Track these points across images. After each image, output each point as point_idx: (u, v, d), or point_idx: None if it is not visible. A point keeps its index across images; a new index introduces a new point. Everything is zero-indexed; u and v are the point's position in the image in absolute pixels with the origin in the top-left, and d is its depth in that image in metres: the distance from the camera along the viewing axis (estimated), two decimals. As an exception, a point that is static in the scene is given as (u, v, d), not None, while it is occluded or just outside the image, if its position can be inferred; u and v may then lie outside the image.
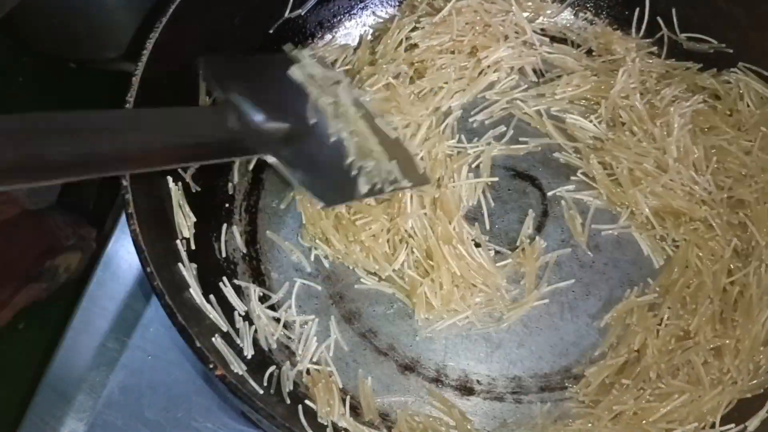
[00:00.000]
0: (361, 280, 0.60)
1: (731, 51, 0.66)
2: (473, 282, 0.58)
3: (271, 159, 0.50)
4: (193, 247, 0.55)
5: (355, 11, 0.72)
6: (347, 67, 0.68)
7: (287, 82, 0.56)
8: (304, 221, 0.61)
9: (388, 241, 0.59)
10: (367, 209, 0.59)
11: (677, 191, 0.60)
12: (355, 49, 0.70)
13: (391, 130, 0.59)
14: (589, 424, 0.54)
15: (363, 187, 0.54)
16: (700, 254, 0.59)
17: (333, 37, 0.71)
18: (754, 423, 0.53)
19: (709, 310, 0.56)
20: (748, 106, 0.64)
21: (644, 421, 0.53)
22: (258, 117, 0.50)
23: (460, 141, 0.65)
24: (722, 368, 0.54)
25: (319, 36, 0.71)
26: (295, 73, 0.56)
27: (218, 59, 0.57)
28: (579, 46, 0.71)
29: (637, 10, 0.69)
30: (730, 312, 0.57)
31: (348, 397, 0.55)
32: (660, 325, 0.57)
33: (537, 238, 0.61)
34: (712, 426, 0.52)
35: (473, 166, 0.64)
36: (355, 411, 0.55)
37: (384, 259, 0.59)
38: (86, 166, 0.40)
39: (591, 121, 0.65)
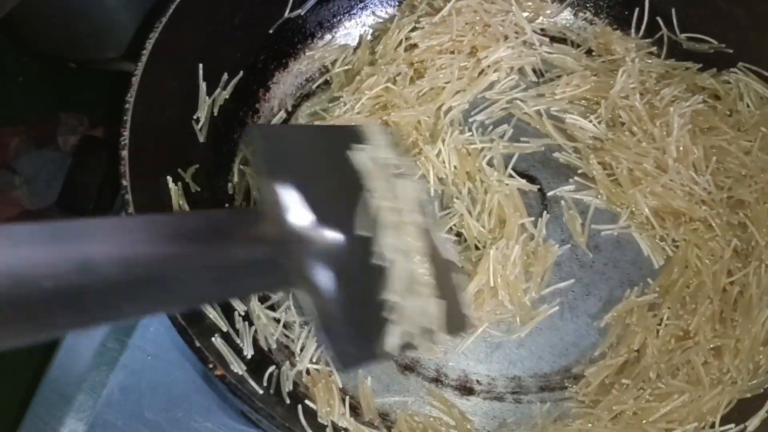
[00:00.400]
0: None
1: (731, 51, 0.66)
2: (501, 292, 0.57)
3: (302, 295, 0.37)
4: (192, 247, 0.55)
5: (354, 11, 0.72)
6: (347, 67, 0.68)
7: (348, 168, 0.41)
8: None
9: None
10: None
11: (677, 191, 0.60)
12: (355, 49, 0.70)
13: (452, 251, 0.48)
14: (589, 424, 0.54)
15: (391, 342, 0.39)
16: (700, 254, 0.59)
17: (333, 37, 0.71)
18: (754, 423, 0.52)
19: (708, 311, 0.56)
20: (748, 106, 0.64)
21: (644, 421, 0.53)
22: (307, 219, 0.36)
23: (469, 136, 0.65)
24: (722, 368, 0.54)
25: (318, 36, 0.71)
26: (358, 156, 0.41)
27: (269, 131, 0.45)
28: (579, 45, 0.71)
29: (637, 10, 0.69)
30: (730, 312, 0.57)
31: (348, 397, 0.55)
32: (660, 325, 0.57)
33: (550, 240, 0.61)
34: (712, 426, 0.52)
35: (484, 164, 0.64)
36: (355, 411, 0.55)
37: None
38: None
39: (591, 121, 0.65)
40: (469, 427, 0.55)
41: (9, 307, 0.26)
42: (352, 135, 0.43)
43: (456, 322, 0.43)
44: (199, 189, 0.58)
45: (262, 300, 0.58)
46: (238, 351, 0.52)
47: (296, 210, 0.36)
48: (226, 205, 0.62)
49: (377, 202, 0.40)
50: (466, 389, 0.57)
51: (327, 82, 0.68)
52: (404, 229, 0.41)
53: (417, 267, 0.41)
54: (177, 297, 0.32)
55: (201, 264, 0.32)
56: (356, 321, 0.38)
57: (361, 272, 0.39)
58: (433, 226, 0.43)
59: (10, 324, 0.26)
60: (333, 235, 0.37)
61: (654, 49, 0.69)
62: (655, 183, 0.60)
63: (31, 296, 0.26)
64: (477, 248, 0.60)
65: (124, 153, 0.49)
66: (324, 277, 0.36)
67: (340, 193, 0.40)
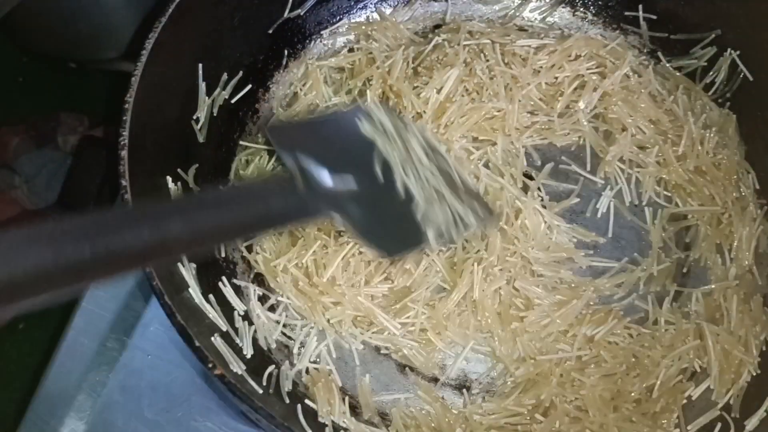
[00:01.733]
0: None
1: (731, 51, 0.66)
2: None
3: (335, 217, 0.49)
4: (192, 247, 0.55)
5: (354, 11, 0.72)
6: (349, 66, 0.68)
7: (354, 137, 0.54)
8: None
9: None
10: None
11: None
12: (351, 49, 0.70)
13: (464, 173, 0.58)
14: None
15: (431, 236, 0.52)
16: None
17: (333, 37, 0.71)
18: (753, 422, 0.53)
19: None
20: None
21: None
22: (325, 178, 0.50)
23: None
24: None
25: (318, 36, 0.71)
26: (364, 127, 0.55)
27: (284, 125, 0.59)
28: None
29: (637, 9, 0.70)
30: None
31: (347, 397, 0.55)
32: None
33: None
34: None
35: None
36: (355, 410, 0.55)
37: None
38: (159, 251, 0.41)
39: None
40: (465, 426, 0.55)
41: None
42: (354, 112, 0.56)
43: (484, 219, 0.55)
44: (199, 189, 0.58)
45: (262, 300, 0.58)
46: (237, 351, 0.52)
47: (314, 173, 0.50)
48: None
49: (389, 151, 0.53)
50: (465, 388, 0.57)
51: (326, 82, 0.68)
52: (417, 163, 0.54)
53: (434, 186, 0.53)
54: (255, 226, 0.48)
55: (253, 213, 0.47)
56: (396, 227, 0.53)
57: (392, 200, 0.52)
58: (444, 158, 0.56)
59: None
60: (349, 185, 0.51)
61: (654, 48, 0.70)
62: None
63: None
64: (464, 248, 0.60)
65: (124, 153, 0.49)
66: (354, 209, 0.50)
67: (354, 154, 0.53)
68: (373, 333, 0.57)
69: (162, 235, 0.41)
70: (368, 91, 0.64)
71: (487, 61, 0.64)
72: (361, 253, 0.58)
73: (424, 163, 0.54)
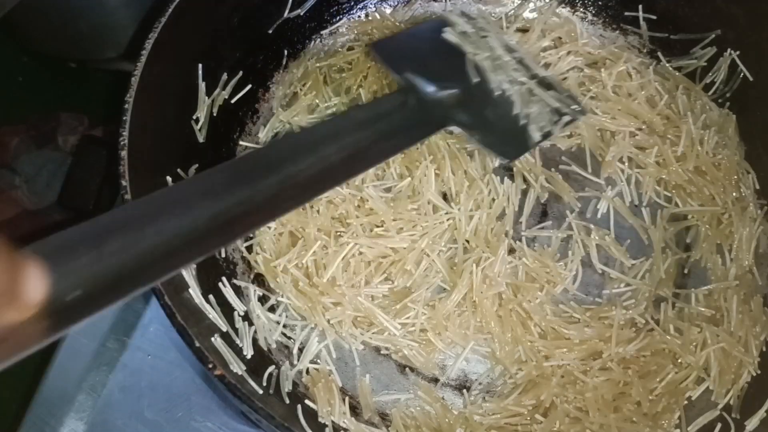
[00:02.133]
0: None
1: (731, 51, 0.66)
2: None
3: (454, 128, 0.52)
4: (192, 247, 0.55)
5: (354, 11, 0.72)
6: (347, 65, 0.68)
7: (444, 46, 0.57)
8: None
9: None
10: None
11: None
12: (350, 48, 0.70)
13: (542, 68, 0.60)
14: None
15: (535, 135, 0.55)
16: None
17: (333, 37, 0.71)
18: (753, 422, 0.53)
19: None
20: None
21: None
22: (430, 89, 0.52)
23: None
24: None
25: (318, 36, 0.71)
26: (449, 36, 0.57)
27: (383, 43, 0.61)
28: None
29: (637, 9, 0.69)
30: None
31: (347, 397, 0.55)
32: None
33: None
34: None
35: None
36: (355, 411, 0.55)
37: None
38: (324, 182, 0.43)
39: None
40: (465, 426, 0.55)
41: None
42: (438, 23, 0.59)
43: (575, 110, 0.58)
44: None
45: (262, 300, 0.58)
46: (237, 351, 0.52)
47: (421, 86, 0.52)
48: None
49: (478, 57, 0.56)
50: (465, 388, 0.57)
51: (326, 82, 0.68)
52: (503, 66, 0.57)
53: (524, 84, 0.57)
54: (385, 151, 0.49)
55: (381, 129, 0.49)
56: (503, 131, 0.55)
57: (492, 104, 0.55)
58: (523, 56, 0.59)
59: None
60: (452, 92, 0.53)
61: (653, 48, 0.70)
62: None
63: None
64: (466, 250, 0.60)
65: (124, 153, 0.49)
66: (462, 117, 0.53)
67: (447, 63, 0.56)
68: (373, 333, 0.57)
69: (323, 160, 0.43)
70: (361, 89, 0.64)
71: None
72: (361, 253, 0.58)
73: (509, 62, 0.57)
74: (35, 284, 0.29)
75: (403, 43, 0.59)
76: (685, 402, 0.55)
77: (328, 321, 0.56)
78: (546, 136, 0.56)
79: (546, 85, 0.58)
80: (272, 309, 0.58)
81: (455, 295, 0.57)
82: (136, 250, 0.34)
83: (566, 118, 0.57)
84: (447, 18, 0.59)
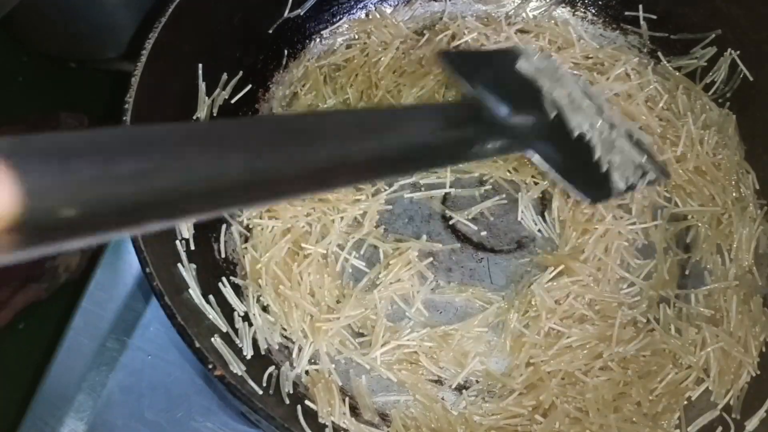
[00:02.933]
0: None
1: (731, 51, 0.66)
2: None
3: (532, 155, 0.48)
4: (192, 247, 0.55)
5: (354, 11, 0.72)
6: (344, 64, 0.68)
7: (519, 76, 0.53)
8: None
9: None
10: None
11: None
12: (348, 46, 0.70)
13: (624, 121, 0.57)
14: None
15: (620, 183, 0.52)
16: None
17: (333, 37, 0.71)
18: (753, 422, 0.53)
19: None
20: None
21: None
22: (503, 110, 0.47)
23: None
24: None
25: (318, 36, 0.71)
26: (523, 66, 0.53)
27: (456, 54, 0.57)
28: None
29: (637, 9, 0.69)
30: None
31: (347, 398, 0.55)
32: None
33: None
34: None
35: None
36: (355, 411, 0.55)
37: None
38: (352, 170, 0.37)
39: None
40: (464, 426, 0.55)
41: None
42: (513, 53, 0.54)
43: (658, 168, 0.55)
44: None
45: (261, 301, 0.58)
46: (237, 351, 0.52)
47: (493, 105, 0.47)
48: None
49: (556, 93, 0.52)
50: (466, 388, 0.57)
51: (325, 82, 0.68)
52: (582, 108, 0.53)
53: (606, 131, 0.53)
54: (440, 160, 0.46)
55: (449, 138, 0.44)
56: (585, 173, 0.51)
57: (570, 144, 0.51)
58: (603, 105, 0.55)
59: None
60: (527, 119, 0.48)
61: (653, 48, 0.70)
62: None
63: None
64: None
65: (124, 153, 0.49)
66: (539, 147, 0.48)
67: (523, 92, 0.52)
68: (353, 350, 0.57)
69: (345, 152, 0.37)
70: (349, 88, 0.64)
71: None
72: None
73: (589, 106, 0.53)
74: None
75: (476, 60, 0.55)
76: (685, 402, 0.55)
77: (302, 331, 0.56)
78: (631, 188, 0.52)
79: (629, 137, 0.55)
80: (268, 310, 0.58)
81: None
82: (149, 182, 0.28)
83: (651, 176, 0.54)
84: (521, 49, 0.55)
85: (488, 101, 0.47)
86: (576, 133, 0.51)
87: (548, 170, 0.49)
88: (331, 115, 0.40)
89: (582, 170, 0.51)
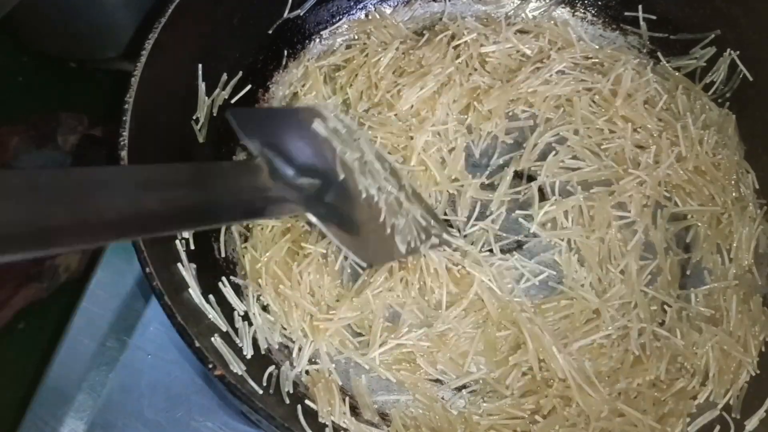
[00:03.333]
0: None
1: (731, 51, 0.66)
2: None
3: (311, 217, 0.47)
4: (192, 247, 0.55)
5: (354, 11, 0.72)
6: (343, 64, 0.68)
7: (313, 136, 0.53)
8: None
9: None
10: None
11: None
12: (350, 46, 0.70)
13: (414, 184, 0.59)
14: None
15: (401, 246, 0.53)
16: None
17: (332, 37, 0.71)
18: (753, 422, 0.53)
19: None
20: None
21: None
22: (289, 172, 0.47)
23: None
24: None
25: (318, 36, 0.71)
26: (318, 128, 0.53)
27: (246, 111, 0.58)
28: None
29: (637, 10, 0.70)
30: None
31: (347, 397, 0.55)
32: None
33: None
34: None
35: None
36: (355, 410, 0.55)
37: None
38: (99, 230, 0.35)
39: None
40: (464, 426, 0.55)
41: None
42: (310, 112, 0.55)
43: (440, 228, 0.57)
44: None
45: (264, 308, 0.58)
46: (237, 351, 0.52)
47: (278, 166, 0.47)
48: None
49: (348, 155, 0.53)
50: (466, 389, 0.57)
51: (325, 82, 0.68)
52: (373, 171, 0.54)
53: (393, 194, 0.54)
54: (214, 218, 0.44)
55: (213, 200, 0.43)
56: (367, 235, 0.51)
57: (357, 206, 0.51)
58: (395, 168, 0.57)
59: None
60: (313, 182, 0.49)
61: (653, 48, 0.70)
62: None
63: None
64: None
65: (124, 153, 0.49)
66: (321, 209, 0.48)
67: (314, 153, 0.51)
68: (353, 350, 0.57)
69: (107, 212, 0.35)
70: (349, 88, 0.64)
71: (474, 70, 0.65)
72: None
73: (379, 170, 0.54)
74: None
75: (268, 117, 0.54)
76: (693, 410, 0.55)
77: (302, 330, 0.56)
78: (412, 252, 0.54)
79: (416, 199, 0.57)
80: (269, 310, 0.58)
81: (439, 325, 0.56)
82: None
83: (434, 240, 0.55)
84: (318, 110, 0.55)
85: (274, 161, 0.46)
86: (363, 196, 0.52)
87: (326, 232, 0.48)
88: (90, 171, 0.36)
89: (364, 231, 0.51)
